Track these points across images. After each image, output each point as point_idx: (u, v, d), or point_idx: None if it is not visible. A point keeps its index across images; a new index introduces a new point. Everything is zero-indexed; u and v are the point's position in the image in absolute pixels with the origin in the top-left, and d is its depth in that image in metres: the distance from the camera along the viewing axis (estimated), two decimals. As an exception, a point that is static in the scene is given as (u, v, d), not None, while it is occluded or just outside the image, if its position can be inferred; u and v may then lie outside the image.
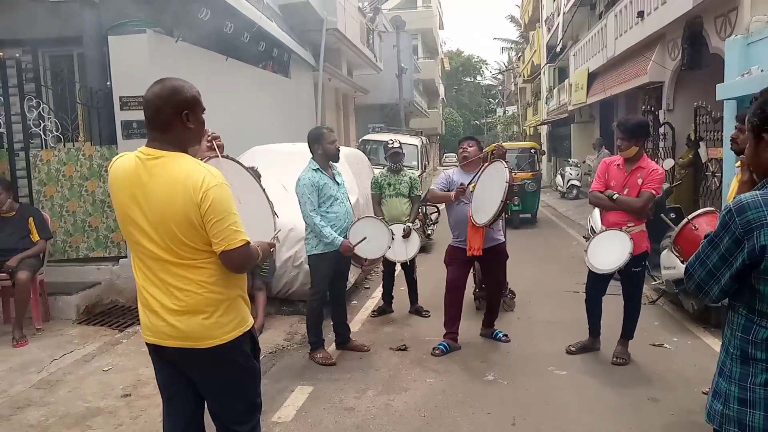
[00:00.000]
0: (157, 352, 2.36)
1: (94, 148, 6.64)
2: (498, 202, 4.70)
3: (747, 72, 7.81)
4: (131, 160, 2.24)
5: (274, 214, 2.91)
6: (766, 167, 1.72)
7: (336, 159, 4.90)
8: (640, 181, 4.47)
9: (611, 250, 4.55)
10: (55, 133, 6.69)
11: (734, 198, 1.70)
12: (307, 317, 4.98)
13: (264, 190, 2.96)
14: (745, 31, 8.39)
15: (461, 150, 5.24)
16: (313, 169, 4.81)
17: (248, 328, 2.37)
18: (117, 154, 6.65)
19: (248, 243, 2.23)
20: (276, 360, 4.96)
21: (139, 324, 5.78)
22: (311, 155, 4.90)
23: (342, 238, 4.78)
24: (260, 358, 2.54)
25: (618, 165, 4.63)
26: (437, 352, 5.03)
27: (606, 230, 4.65)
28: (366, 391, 4.31)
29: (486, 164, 5.00)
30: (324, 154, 4.82)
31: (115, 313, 6.23)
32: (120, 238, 6.63)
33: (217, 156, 2.66)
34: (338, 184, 4.93)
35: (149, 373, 4.62)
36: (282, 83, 12.44)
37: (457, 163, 5.46)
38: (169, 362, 2.36)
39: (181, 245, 2.19)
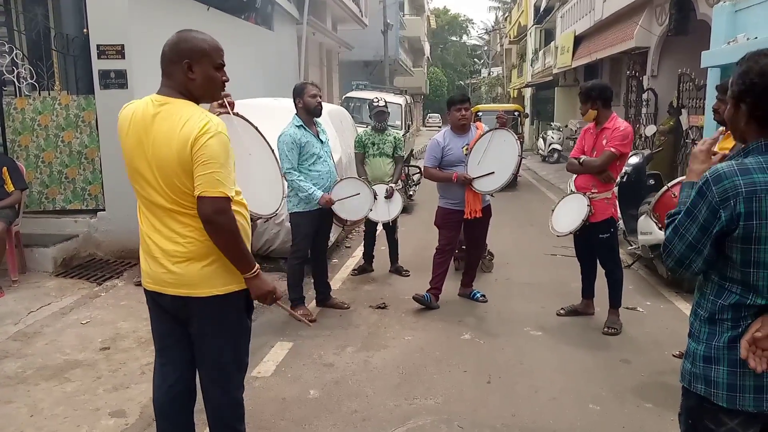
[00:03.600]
0: (155, 299, 2.37)
1: (71, 98, 6.45)
2: (509, 173, 4.92)
3: (733, 40, 7.81)
4: (141, 105, 2.22)
5: (283, 177, 2.93)
6: (741, 134, 1.75)
7: (317, 114, 4.82)
8: (605, 142, 4.51)
9: (570, 214, 4.69)
10: (30, 81, 6.47)
11: (711, 168, 1.72)
12: (288, 275, 4.99)
13: (273, 151, 2.95)
14: (734, -2, 8.34)
15: (460, 116, 5.03)
16: (296, 126, 4.74)
17: (245, 287, 2.34)
18: (94, 104, 6.53)
19: (228, 199, 2.15)
20: (256, 316, 4.94)
21: (117, 278, 5.79)
22: (295, 111, 4.83)
23: (321, 192, 4.75)
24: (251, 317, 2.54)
25: (591, 131, 4.71)
26: (419, 296, 5.15)
27: (570, 194, 4.74)
28: (345, 347, 4.37)
29: (488, 130, 5.00)
30: (304, 107, 4.75)
31: (93, 267, 6.17)
32: (98, 190, 6.53)
33: (228, 113, 2.66)
34: (322, 142, 4.87)
35: (128, 327, 4.64)
36: (265, 36, 12.14)
37: (440, 124, 5.41)
38: (167, 312, 2.37)
39: (181, 194, 2.17)
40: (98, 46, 6.33)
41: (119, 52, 6.35)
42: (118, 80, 6.38)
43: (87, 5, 6.32)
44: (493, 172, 4.88)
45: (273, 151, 2.91)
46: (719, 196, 1.64)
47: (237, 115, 2.73)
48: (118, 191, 6.17)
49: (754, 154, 1.68)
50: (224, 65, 2.30)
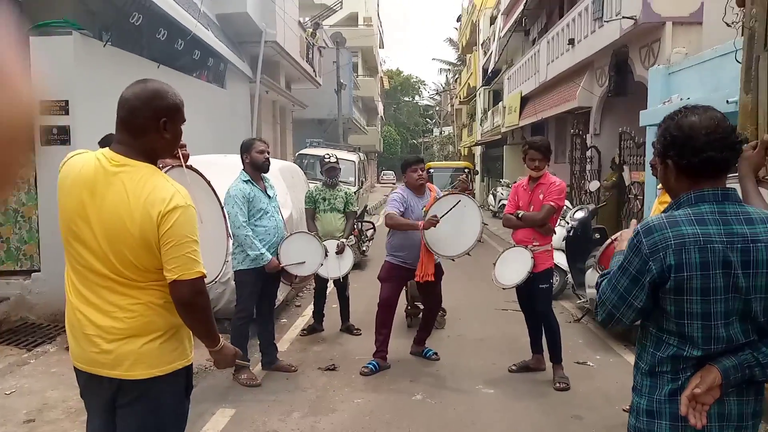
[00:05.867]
0: (86, 380, 2.09)
1: (8, 154, 6.22)
2: (473, 240, 4.89)
3: (668, 100, 8.24)
4: (90, 162, 1.97)
5: (229, 235, 2.75)
6: (674, 190, 1.79)
7: (264, 170, 4.77)
8: (541, 196, 4.65)
9: (514, 266, 4.73)
10: (-36, 137, 6.23)
11: (642, 221, 1.75)
12: (232, 336, 4.77)
13: (223, 207, 2.83)
14: (667, 62, 8.87)
15: (417, 176, 5.03)
16: (244, 181, 4.67)
17: (188, 363, 2.14)
18: (34, 160, 6.29)
19: (203, 277, 1.98)
20: (198, 381, 4.70)
21: (49, 343, 5.45)
22: (242, 166, 4.77)
23: (270, 255, 4.64)
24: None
25: (523, 187, 4.84)
26: (366, 371, 4.94)
27: (512, 247, 4.79)
28: (291, 413, 4.17)
29: (446, 193, 5.03)
30: (251, 163, 4.70)
31: (23, 332, 5.79)
32: (33, 250, 6.22)
33: (181, 165, 2.45)
34: (269, 197, 4.80)
35: (57, 396, 4.32)
36: (217, 93, 12.16)
37: (394, 181, 5.41)
38: (99, 394, 2.08)
39: (131, 267, 1.95)
40: (41, 102, 6.17)
41: (63, 108, 6.21)
42: (60, 136, 6.21)
43: (31, 60, 6.19)
44: (457, 202, 4.78)
45: (222, 208, 2.78)
46: (649, 248, 1.66)
47: (190, 168, 2.56)
48: (56, 250, 5.87)
49: (684, 206, 1.71)
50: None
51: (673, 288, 1.64)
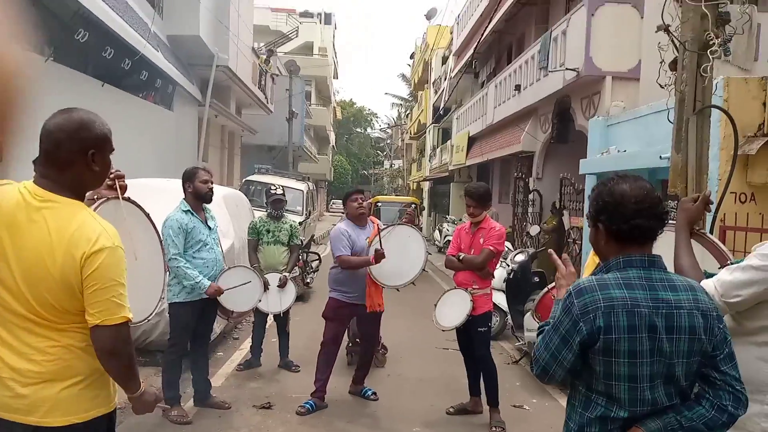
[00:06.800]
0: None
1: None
2: (418, 269, 4.94)
3: (606, 151, 8.61)
4: (12, 195, 1.86)
5: (166, 270, 2.65)
6: (603, 253, 1.86)
7: (207, 200, 4.67)
8: (482, 240, 4.76)
9: (454, 308, 4.80)
10: None
11: (574, 282, 1.82)
12: (164, 370, 4.60)
13: (161, 241, 2.73)
14: (606, 114, 9.29)
15: (357, 204, 5.01)
16: (183, 210, 4.55)
17: (111, 410, 2.02)
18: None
19: (128, 322, 1.88)
20: (124, 417, 4.49)
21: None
22: (184, 195, 4.66)
23: (209, 282, 4.52)
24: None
25: (466, 230, 4.96)
26: (302, 410, 4.83)
27: (453, 289, 4.89)
28: (221, 453, 4.02)
29: (390, 226, 5.03)
30: (193, 192, 4.58)
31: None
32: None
33: (117, 198, 2.35)
34: (210, 228, 4.69)
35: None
36: (163, 115, 11.95)
37: (345, 211, 5.35)
38: None
39: (50, 309, 1.84)
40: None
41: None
42: (-9, 154, 5.93)
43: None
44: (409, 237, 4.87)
45: (161, 242, 2.69)
46: (580, 310, 1.71)
47: (127, 200, 2.45)
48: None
49: (613, 270, 1.78)
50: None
51: (602, 349, 1.69)
